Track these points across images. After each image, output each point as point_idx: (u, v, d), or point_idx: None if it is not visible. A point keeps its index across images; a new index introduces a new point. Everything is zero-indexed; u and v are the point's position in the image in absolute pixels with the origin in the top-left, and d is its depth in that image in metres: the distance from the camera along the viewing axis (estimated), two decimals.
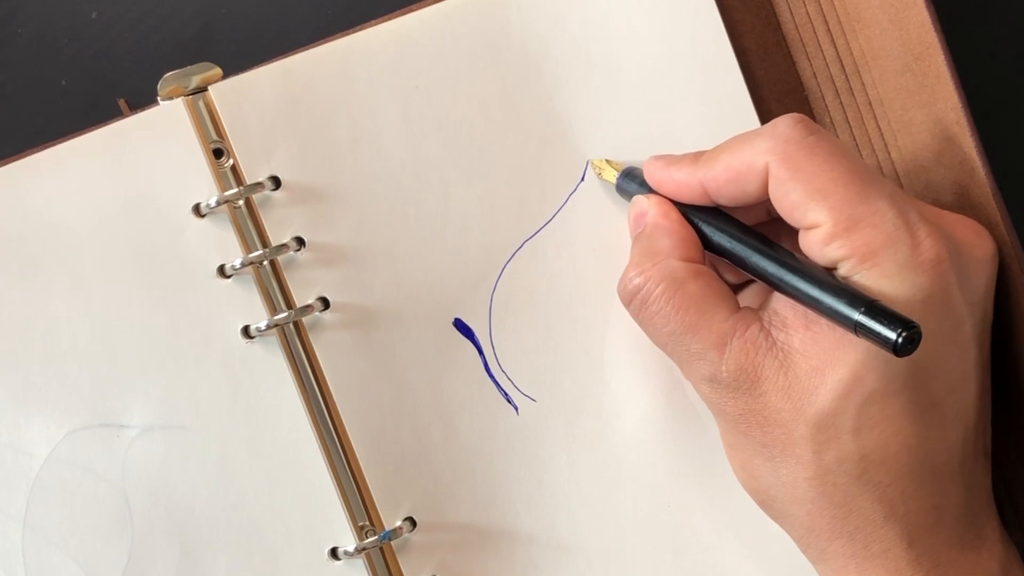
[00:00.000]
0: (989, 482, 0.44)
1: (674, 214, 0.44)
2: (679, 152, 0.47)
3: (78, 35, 0.55)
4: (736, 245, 0.43)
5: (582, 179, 0.49)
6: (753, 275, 0.43)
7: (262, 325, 0.48)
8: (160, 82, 0.48)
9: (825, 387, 0.40)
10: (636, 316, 0.44)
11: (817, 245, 0.40)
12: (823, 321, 0.40)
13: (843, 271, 0.40)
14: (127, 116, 0.48)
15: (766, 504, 0.44)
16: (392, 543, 0.48)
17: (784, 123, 0.41)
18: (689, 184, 0.44)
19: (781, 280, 0.41)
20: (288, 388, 0.48)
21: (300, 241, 0.48)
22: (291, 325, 0.48)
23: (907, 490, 0.41)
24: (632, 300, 0.43)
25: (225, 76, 0.48)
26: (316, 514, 0.48)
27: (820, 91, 0.49)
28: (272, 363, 0.48)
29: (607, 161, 0.48)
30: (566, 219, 0.49)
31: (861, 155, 0.49)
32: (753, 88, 0.49)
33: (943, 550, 0.41)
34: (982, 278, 0.42)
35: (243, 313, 0.48)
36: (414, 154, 0.48)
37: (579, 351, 0.49)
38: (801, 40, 0.49)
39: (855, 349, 0.39)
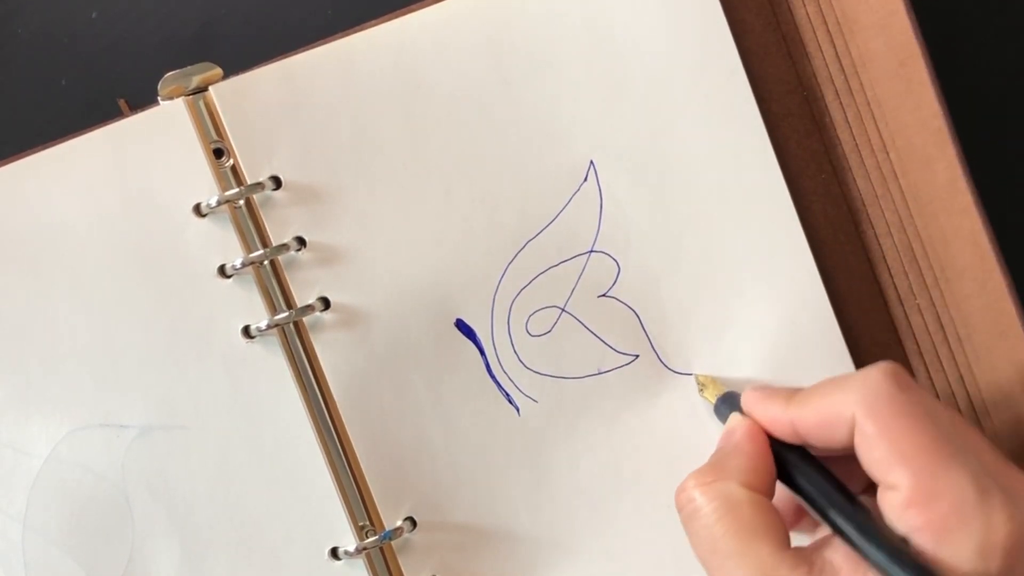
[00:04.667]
0: None
1: (760, 441, 0.44)
2: (681, 160, 0.47)
3: (78, 35, 0.55)
4: (816, 492, 0.42)
5: (584, 179, 0.49)
6: (824, 522, 0.42)
7: (262, 325, 0.48)
8: (160, 82, 0.48)
9: None
10: (684, 524, 0.43)
11: (894, 508, 0.39)
12: None
13: (916, 540, 0.39)
14: (127, 116, 0.48)
15: None
16: (392, 543, 0.48)
17: (877, 374, 0.41)
18: (780, 422, 0.43)
19: (852, 537, 0.40)
20: (288, 388, 0.48)
21: (301, 241, 0.48)
22: (291, 325, 0.48)
23: None
24: (684, 508, 0.43)
25: (225, 76, 0.48)
26: (316, 514, 0.48)
27: (820, 91, 0.50)
28: (272, 363, 0.48)
29: (712, 379, 0.49)
30: (568, 219, 0.49)
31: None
32: (754, 88, 0.49)
33: None
34: None
35: (243, 313, 0.48)
36: (415, 154, 0.48)
37: (581, 352, 0.49)
38: (801, 40, 0.49)
39: None
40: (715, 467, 0.43)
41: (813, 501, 0.42)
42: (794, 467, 0.43)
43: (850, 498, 0.42)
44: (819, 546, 0.41)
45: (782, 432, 0.43)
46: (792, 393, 0.43)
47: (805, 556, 0.41)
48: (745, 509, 0.41)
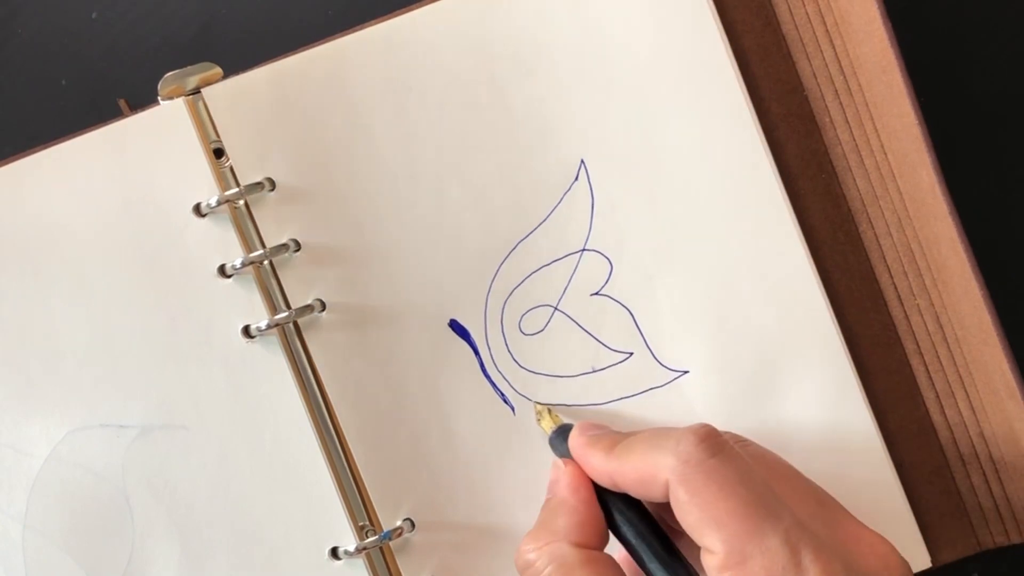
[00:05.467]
0: None
1: (584, 492, 0.44)
2: (672, 158, 0.47)
3: (78, 35, 0.55)
4: (638, 543, 0.43)
5: (575, 179, 0.49)
6: (644, 573, 0.43)
7: (262, 325, 0.48)
8: (160, 82, 0.48)
9: None
10: None
11: (711, 570, 0.40)
12: None
13: None
14: (127, 116, 0.48)
15: None
16: (391, 544, 0.48)
17: (688, 441, 0.41)
18: (601, 472, 0.44)
19: None
20: (288, 388, 0.48)
21: (297, 242, 0.48)
22: (291, 325, 0.48)
23: None
24: (523, 572, 0.43)
25: (225, 76, 0.48)
26: (316, 514, 0.48)
27: (820, 91, 0.49)
28: (272, 363, 0.48)
29: (549, 410, 0.48)
30: (560, 219, 0.49)
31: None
32: (753, 88, 0.49)
33: None
34: None
35: (243, 313, 0.48)
36: (408, 155, 0.48)
37: (574, 351, 0.49)
38: (801, 40, 0.49)
39: None
40: (545, 528, 0.44)
41: (634, 552, 0.43)
42: (618, 516, 0.44)
43: (669, 550, 0.42)
44: None
45: (603, 481, 0.44)
46: (615, 440, 0.44)
47: None
48: (578, 570, 0.42)
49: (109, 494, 0.48)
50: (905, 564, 0.42)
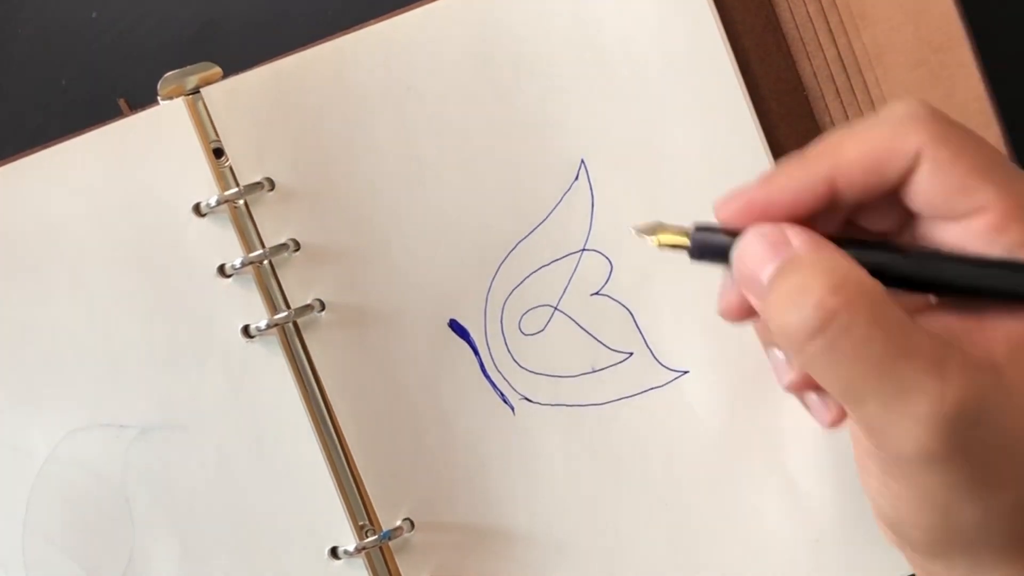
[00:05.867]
0: None
1: (831, 246, 0.36)
2: (672, 158, 0.47)
3: (78, 35, 0.55)
4: (915, 263, 0.36)
5: (575, 179, 0.49)
6: (936, 291, 0.37)
7: (262, 325, 0.48)
8: (160, 82, 0.48)
9: None
10: (831, 347, 0.34)
11: (985, 232, 0.36)
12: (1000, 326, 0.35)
13: (1020, 255, 0.36)
14: (127, 116, 0.49)
15: (948, 543, 0.37)
16: (391, 543, 0.48)
17: (921, 105, 0.36)
18: (809, 187, 0.37)
19: (978, 283, 0.36)
20: (288, 388, 0.48)
21: (296, 242, 0.48)
22: (291, 325, 0.48)
23: None
24: (828, 326, 0.34)
25: (225, 76, 0.48)
26: (316, 514, 0.48)
27: (820, 91, 0.49)
28: (272, 363, 0.48)
29: (659, 223, 0.40)
30: (560, 218, 0.49)
31: None
32: (753, 88, 0.49)
33: None
34: None
35: (243, 313, 0.48)
36: (407, 155, 0.48)
37: (574, 351, 0.49)
38: (801, 40, 0.49)
39: None
40: (830, 271, 0.35)
41: (918, 275, 0.37)
42: (871, 250, 0.37)
43: (936, 251, 0.37)
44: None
45: (809, 204, 0.37)
46: (796, 162, 0.38)
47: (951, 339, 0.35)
48: (890, 302, 0.35)
49: (109, 494, 0.48)
50: None
